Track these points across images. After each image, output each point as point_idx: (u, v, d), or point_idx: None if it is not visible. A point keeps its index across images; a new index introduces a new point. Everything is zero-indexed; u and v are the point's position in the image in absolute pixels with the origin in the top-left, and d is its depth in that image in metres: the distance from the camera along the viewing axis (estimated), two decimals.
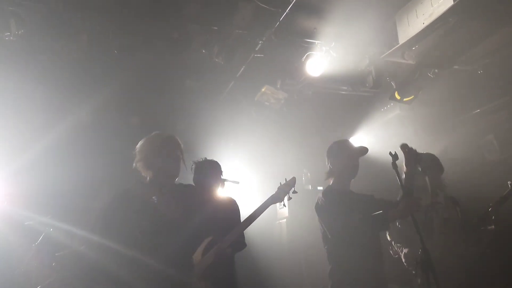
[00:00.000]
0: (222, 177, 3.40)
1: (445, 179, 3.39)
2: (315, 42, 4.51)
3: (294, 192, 3.03)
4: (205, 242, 2.89)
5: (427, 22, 3.68)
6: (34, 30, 3.66)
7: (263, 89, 5.02)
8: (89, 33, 3.82)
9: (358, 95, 5.35)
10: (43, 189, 4.56)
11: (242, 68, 4.77)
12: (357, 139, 5.91)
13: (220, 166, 3.42)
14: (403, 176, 2.74)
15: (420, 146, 3.40)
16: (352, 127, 5.94)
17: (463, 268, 3.03)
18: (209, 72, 4.78)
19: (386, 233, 3.33)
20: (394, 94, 5.06)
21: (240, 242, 3.13)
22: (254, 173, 6.11)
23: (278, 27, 4.14)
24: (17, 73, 4.15)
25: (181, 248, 2.44)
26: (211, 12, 3.98)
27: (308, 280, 5.20)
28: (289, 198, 3.07)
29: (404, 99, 5.07)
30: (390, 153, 2.58)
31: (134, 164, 2.55)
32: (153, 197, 2.52)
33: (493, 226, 3.11)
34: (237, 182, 3.76)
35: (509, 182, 3.17)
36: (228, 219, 3.19)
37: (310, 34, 4.40)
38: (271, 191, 6.56)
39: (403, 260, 3.19)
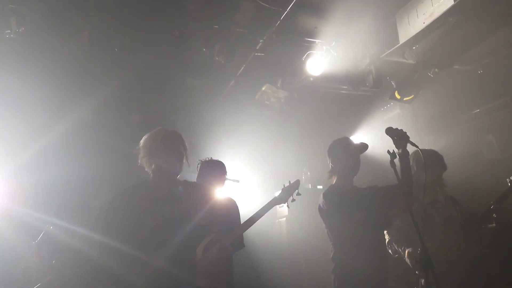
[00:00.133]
0: (226, 178, 3.42)
1: (445, 179, 3.37)
2: (315, 41, 4.51)
3: (298, 194, 3.16)
4: (207, 240, 2.92)
5: (427, 22, 3.69)
6: (35, 28, 3.67)
7: (263, 88, 5.03)
8: (90, 32, 3.83)
9: (358, 94, 5.35)
10: (44, 187, 4.58)
11: (243, 67, 4.78)
12: (357, 138, 5.91)
13: (225, 167, 3.43)
14: (400, 166, 2.75)
15: (420, 145, 3.42)
16: (352, 126, 5.95)
17: (463, 268, 3.03)
18: (210, 70, 4.79)
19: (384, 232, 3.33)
20: (394, 93, 5.07)
21: (239, 242, 3.15)
22: (254, 172, 6.12)
23: (279, 26, 4.14)
24: (18, 71, 4.15)
25: (185, 245, 2.42)
26: (212, 11, 3.98)
27: (308, 278, 5.21)
28: (293, 200, 3.19)
29: (404, 99, 5.08)
30: (388, 152, 2.59)
31: (139, 161, 2.54)
32: (158, 193, 2.48)
33: (494, 224, 3.09)
34: (237, 181, 3.79)
35: (508, 180, 3.18)
36: (228, 219, 3.22)
37: (311, 33, 4.41)
38: (271, 189, 6.61)
39: (407, 260, 3.14)
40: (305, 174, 6.12)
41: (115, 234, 2.35)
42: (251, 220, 3.06)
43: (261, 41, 4.36)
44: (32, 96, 4.47)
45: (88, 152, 4.82)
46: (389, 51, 4.28)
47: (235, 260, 3.24)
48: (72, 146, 4.78)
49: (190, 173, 2.76)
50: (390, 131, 2.66)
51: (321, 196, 3.06)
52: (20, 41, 3.76)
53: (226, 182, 3.45)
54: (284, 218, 5.78)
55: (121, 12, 3.83)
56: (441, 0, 3.53)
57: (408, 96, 5.07)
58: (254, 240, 4.35)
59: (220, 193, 3.38)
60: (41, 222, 4.11)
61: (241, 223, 3.13)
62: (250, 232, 3.28)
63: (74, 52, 3.99)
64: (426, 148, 3.31)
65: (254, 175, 6.14)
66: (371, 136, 5.80)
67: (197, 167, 3.36)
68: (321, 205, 3.02)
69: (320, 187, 5.51)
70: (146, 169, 2.56)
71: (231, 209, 3.33)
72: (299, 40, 4.50)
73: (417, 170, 3.24)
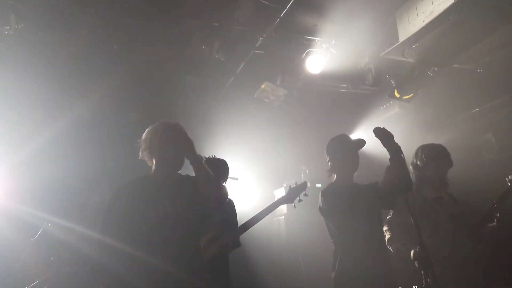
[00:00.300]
0: (229, 176, 3.42)
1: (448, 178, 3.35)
2: (315, 39, 4.51)
3: (305, 195, 3.35)
4: (206, 237, 2.92)
5: (427, 20, 3.69)
6: (34, 25, 3.65)
7: (263, 86, 5.02)
8: (90, 28, 3.81)
9: (357, 92, 5.35)
10: (42, 185, 4.56)
11: (242, 65, 4.77)
12: (357, 137, 5.89)
13: (228, 165, 3.43)
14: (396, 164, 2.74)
15: (418, 144, 3.42)
16: (352, 124, 5.95)
17: (468, 266, 2.99)
18: (209, 68, 4.78)
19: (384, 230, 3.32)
20: (394, 92, 5.06)
21: (236, 241, 3.16)
22: (253, 170, 6.12)
23: (279, 24, 4.13)
24: (17, 68, 4.14)
25: (188, 242, 2.37)
26: (212, 8, 3.97)
27: (307, 276, 5.21)
28: (300, 200, 3.37)
29: (404, 97, 5.08)
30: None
31: (140, 154, 2.48)
32: (160, 188, 2.41)
33: (495, 223, 3.09)
34: (236, 179, 3.79)
35: (507, 179, 3.17)
36: (227, 217, 3.23)
37: (311, 31, 4.40)
38: (270, 187, 6.59)
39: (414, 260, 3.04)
40: (304, 172, 6.12)
41: (114, 231, 2.30)
42: (256, 218, 3.13)
43: (260, 38, 4.35)
44: (31, 93, 4.46)
45: (87, 149, 4.80)
46: (388, 49, 4.28)
47: (234, 258, 3.25)
48: (71, 143, 4.76)
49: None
50: (376, 131, 2.67)
51: (320, 194, 3.07)
52: (19, 38, 3.74)
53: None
54: (283, 216, 5.78)
55: (121, 9, 3.82)
56: None
57: (408, 95, 5.06)
58: (252, 238, 4.34)
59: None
60: (39, 219, 4.10)
61: (247, 220, 3.19)
62: (249, 230, 3.31)
63: (73, 49, 3.98)
64: (434, 143, 3.33)
65: (253, 173, 6.14)
66: (371, 135, 5.79)
67: None
68: (321, 204, 3.02)
69: (319, 185, 5.50)
70: (147, 163, 2.50)
71: (230, 207, 3.34)
72: (299, 38, 4.49)
73: (421, 165, 3.23)
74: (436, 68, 4.83)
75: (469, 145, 5.07)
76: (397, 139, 2.73)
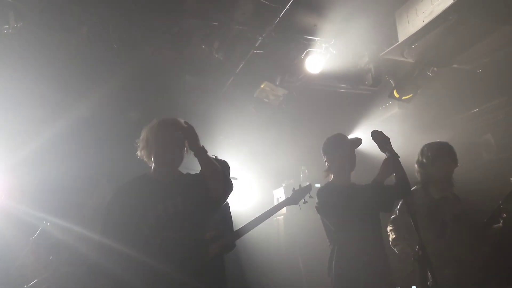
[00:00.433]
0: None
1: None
2: (315, 39, 4.51)
3: (310, 197, 3.41)
4: (207, 236, 2.91)
5: (427, 20, 3.69)
6: (33, 23, 3.63)
7: (262, 86, 5.01)
8: (89, 27, 3.80)
9: (357, 92, 5.35)
10: (41, 184, 4.55)
11: (242, 64, 4.76)
12: (361, 138, 5.91)
13: (229, 167, 3.44)
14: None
15: (418, 144, 3.42)
16: (351, 124, 5.95)
17: (475, 268, 2.96)
18: (209, 67, 4.77)
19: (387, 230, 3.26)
20: (393, 92, 5.07)
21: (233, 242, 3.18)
22: (252, 169, 6.12)
23: (278, 24, 4.13)
24: (16, 67, 4.13)
25: (190, 243, 2.27)
26: (212, 8, 3.97)
27: (306, 276, 5.21)
28: (305, 202, 3.45)
29: (403, 97, 5.09)
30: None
31: (138, 153, 2.43)
32: (160, 187, 2.34)
33: (500, 224, 3.03)
34: (235, 178, 3.78)
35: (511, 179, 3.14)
36: (223, 217, 3.24)
37: (310, 31, 4.40)
38: (269, 187, 6.58)
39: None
40: (303, 172, 6.12)
41: (114, 232, 2.23)
42: (261, 218, 3.17)
43: (260, 38, 4.35)
44: (30, 92, 4.45)
45: (86, 149, 4.79)
46: (388, 49, 4.29)
47: (234, 258, 3.24)
48: (70, 143, 4.75)
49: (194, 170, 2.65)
50: (373, 135, 2.64)
51: (316, 193, 3.07)
52: (18, 37, 3.73)
53: None
54: (282, 216, 5.78)
55: (120, 8, 3.82)
56: None
57: (407, 95, 5.08)
58: (251, 238, 4.33)
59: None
60: (38, 219, 4.09)
61: (250, 221, 3.23)
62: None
63: (73, 48, 3.97)
64: (441, 141, 3.29)
65: (253, 173, 6.14)
66: (370, 135, 5.80)
67: None
68: (317, 203, 3.02)
69: (318, 185, 5.48)
70: (147, 163, 2.44)
71: (225, 209, 3.35)
72: (299, 38, 4.49)
73: (427, 163, 3.19)
74: (435, 69, 4.85)
75: (468, 146, 5.08)
76: (396, 139, 2.72)
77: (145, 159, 2.43)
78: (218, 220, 3.12)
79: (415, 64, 4.65)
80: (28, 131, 4.60)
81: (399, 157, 2.57)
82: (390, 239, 3.17)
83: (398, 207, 3.26)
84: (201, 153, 2.34)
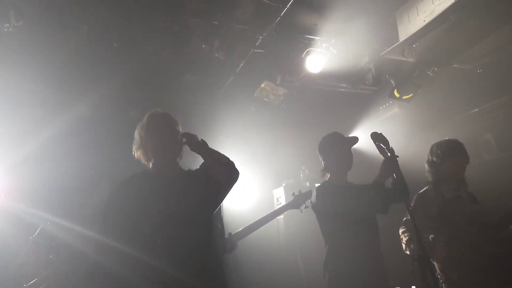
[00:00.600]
0: None
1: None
2: (315, 39, 4.50)
3: (311, 202, 3.42)
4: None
5: (427, 20, 3.69)
6: (34, 22, 3.63)
7: (262, 85, 5.01)
8: (89, 26, 3.80)
9: (357, 92, 5.35)
10: (41, 183, 4.55)
11: (242, 64, 4.75)
12: (358, 137, 5.91)
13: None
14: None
15: (418, 144, 3.42)
16: (351, 124, 5.95)
17: (488, 270, 2.87)
18: (209, 67, 4.77)
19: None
20: (394, 91, 5.07)
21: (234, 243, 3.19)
22: (252, 169, 6.11)
23: (279, 23, 4.12)
24: (16, 65, 4.13)
25: (195, 243, 2.19)
26: (212, 7, 3.96)
27: (306, 276, 5.21)
28: (306, 207, 3.61)
29: (403, 97, 5.09)
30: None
31: (134, 154, 2.37)
32: (161, 184, 2.25)
33: None
34: None
35: None
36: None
37: (311, 30, 4.40)
38: (269, 187, 6.56)
39: (436, 265, 2.97)
40: (303, 172, 6.12)
41: (113, 231, 2.16)
42: (262, 221, 3.22)
43: (260, 37, 4.34)
44: (30, 91, 4.44)
45: (86, 148, 4.79)
46: (388, 49, 4.28)
47: (233, 257, 3.24)
48: (70, 142, 4.74)
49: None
50: (373, 136, 2.63)
51: (314, 191, 3.05)
52: (18, 36, 3.72)
53: None
54: (282, 216, 5.77)
55: (120, 8, 3.81)
56: None
57: (407, 95, 5.08)
58: (251, 238, 4.34)
59: None
60: (38, 217, 4.09)
61: (252, 222, 3.29)
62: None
63: (73, 47, 3.97)
64: (450, 138, 3.25)
65: (252, 172, 6.13)
66: (370, 135, 5.80)
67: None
68: (314, 201, 3.01)
69: (318, 185, 5.51)
70: (145, 163, 2.38)
71: (218, 212, 3.36)
72: (299, 37, 4.48)
73: (438, 161, 3.13)
74: (436, 68, 4.85)
75: (468, 146, 5.07)
76: (396, 139, 2.72)
77: (142, 159, 2.37)
78: (219, 219, 3.12)
79: (415, 64, 4.65)
80: (28, 130, 4.59)
81: (398, 156, 2.57)
82: (404, 241, 3.10)
83: (410, 208, 3.18)
84: (202, 147, 2.31)
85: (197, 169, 2.41)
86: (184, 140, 2.33)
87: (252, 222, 3.54)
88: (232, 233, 3.37)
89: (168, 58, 4.48)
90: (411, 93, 5.06)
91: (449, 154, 3.12)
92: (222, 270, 2.31)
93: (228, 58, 4.35)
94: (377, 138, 2.61)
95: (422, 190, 3.22)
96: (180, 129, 2.42)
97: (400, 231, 3.20)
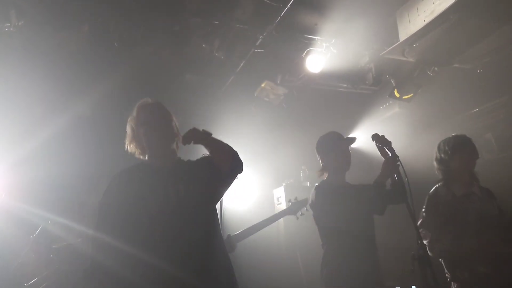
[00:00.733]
0: None
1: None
2: (315, 38, 4.50)
3: (307, 210, 3.78)
4: None
5: (428, 20, 3.69)
6: (35, 21, 3.63)
7: (262, 85, 5.01)
8: (90, 25, 3.80)
9: (357, 92, 5.35)
10: (41, 183, 4.56)
11: (242, 63, 4.75)
12: (356, 137, 5.91)
13: None
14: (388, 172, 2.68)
15: (418, 144, 3.42)
16: (351, 124, 5.95)
17: (501, 271, 2.76)
18: (209, 66, 4.77)
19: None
20: (394, 91, 5.07)
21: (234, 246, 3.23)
22: (252, 168, 6.12)
23: (279, 22, 4.12)
24: (17, 65, 4.13)
25: (197, 234, 2.07)
26: (212, 6, 3.96)
27: (306, 277, 5.21)
28: (302, 214, 3.91)
29: (403, 97, 5.09)
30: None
31: (127, 148, 2.28)
32: (159, 174, 2.14)
33: None
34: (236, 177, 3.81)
35: None
36: None
37: (311, 30, 4.40)
38: (270, 186, 6.56)
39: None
40: (303, 171, 6.12)
41: (111, 224, 2.05)
42: (259, 226, 3.31)
43: (261, 37, 4.34)
44: (31, 90, 4.45)
45: (87, 147, 4.80)
46: (389, 49, 4.28)
47: (233, 257, 3.25)
48: (70, 141, 4.75)
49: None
50: (374, 138, 2.62)
51: (313, 189, 3.04)
52: (19, 35, 3.73)
53: None
54: None
55: (121, 7, 3.81)
56: None
57: (407, 95, 5.07)
58: (251, 238, 4.34)
59: None
60: (39, 217, 4.09)
61: (249, 227, 3.37)
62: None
63: (74, 46, 3.97)
64: (458, 134, 3.20)
65: (253, 172, 6.14)
66: (370, 134, 5.79)
67: None
68: (313, 199, 2.99)
69: (317, 184, 5.51)
70: (138, 156, 2.28)
71: None
72: (299, 37, 4.48)
73: (446, 158, 3.06)
74: (436, 68, 4.85)
75: None
76: (396, 139, 2.71)
77: (137, 153, 2.29)
78: None
79: (415, 64, 4.65)
80: (28, 129, 4.60)
81: (398, 156, 2.56)
82: (426, 243, 2.91)
83: (424, 209, 3.10)
84: (206, 137, 2.23)
85: (198, 159, 2.32)
86: (188, 138, 2.23)
87: (250, 226, 3.65)
88: (231, 235, 3.39)
89: (168, 57, 4.48)
90: (411, 93, 5.06)
91: (457, 150, 3.04)
92: (227, 268, 2.15)
93: (228, 58, 4.35)
94: (379, 139, 2.60)
95: (432, 189, 3.13)
96: (174, 118, 2.33)
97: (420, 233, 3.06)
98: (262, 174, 6.24)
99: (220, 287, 2.06)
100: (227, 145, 2.25)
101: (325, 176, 3.08)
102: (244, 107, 5.50)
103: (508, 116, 4.98)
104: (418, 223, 3.03)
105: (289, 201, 3.88)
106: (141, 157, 2.29)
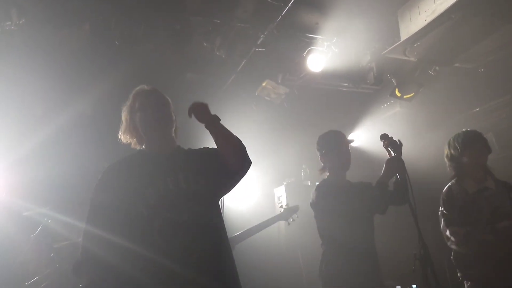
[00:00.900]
0: None
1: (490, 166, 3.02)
2: (316, 37, 4.50)
3: (297, 217, 4.19)
4: None
5: (429, 19, 3.68)
6: (36, 20, 3.63)
7: (264, 84, 5.01)
8: (91, 23, 3.80)
9: (358, 91, 5.35)
10: (42, 181, 4.56)
11: (243, 62, 4.75)
12: (357, 136, 5.92)
13: None
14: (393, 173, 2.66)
15: (420, 144, 3.41)
16: (352, 123, 5.95)
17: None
18: (210, 65, 4.77)
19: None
20: (395, 91, 5.07)
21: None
22: (253, 167, 6.11)
23: (280, 21, 4.12)
24: (18, 63, 4.13)
25: (199, 227, 1.91)
26: (214, 5, 3.96)
27: (307, 277, 5.21)
28: (293, 220, 4.19)
29: (405, 96, 5.09)
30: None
31: (121, 137, 2.17)
32: (157, 162, 2.00)
33: None
34: None
35: None
36: None
37: (312, 29, 4.40)
38: (270, 185, 6.56)
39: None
40: (304, 171, 6.12)
41: (106, 217, 1.92)
42: (253, 231, 3.39)
43: (262, 36, 4.34)
44: (32, 88, 4.45)
45: (87, 144, 4.79)
46: (390, 48, 4.28)
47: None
48: (71, 139, 4.75)
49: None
50: (383, 138, 2.60)
51: (314, 189, 3.03)
52: (20, 33, 3.72)
53: None
54: None
55: (122, 5, 3.81)
56: None
57: (409, 94, 5.07)
58: (252, 238, 4.34)
59: None
60: (40, 215, 4.10)
61: (243, 230, 3.43)
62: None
63: (75, 44, 3.96)
64: (468, 129, 3.13)
65: (254, 171, 6.13)
66: (371, 134, 5.81)
67: None
68: (314, 198, 2.98)
69: (318, 183, 5.51)
70: (136, 146, 2.15)
71: None
72: (300, 36, 4.48)
73: (457, 154, 2.99)
74: (437, 67, 4.85)
75: None
76: (397, 138, 2.70)
77: (133, 143, 2.16)
78: None
79: (417, 63, 4.64)
80: (30, 127, 4.60)
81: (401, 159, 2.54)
82: (454, 242, 2.85)
83: (442, 208, 2.97)
84: (213, 121, 2.06)
85: (201, 148, 2.19)
86: (195, 110, 2.13)
87: (248, 228, 3.84)
88: (230, 236, 3.38)
89: (170, 56, 4.47)
90: (412, 92, 5.06)
91: (467, 144, 2.97)
92: (230, 265, 2.00)
93: (229, 57, 4.34)
94: (386, 139, 2.58)
95: (446, 187, 3.05)
96: (171, 103, 2.23)
97: (448, 233, 2.88)
98: (263, 173, 6.24)
99: (223, 282, 1.92)
100: (236, 137, 2.08)
101: (326, 175, 3.07)
102: (245, 106, 5.49)
103: (510, 115, 4.97)
104: (442, 224, 2.95)
105: (281, 206, 4.08)
106: (137, 147, 2.16)
